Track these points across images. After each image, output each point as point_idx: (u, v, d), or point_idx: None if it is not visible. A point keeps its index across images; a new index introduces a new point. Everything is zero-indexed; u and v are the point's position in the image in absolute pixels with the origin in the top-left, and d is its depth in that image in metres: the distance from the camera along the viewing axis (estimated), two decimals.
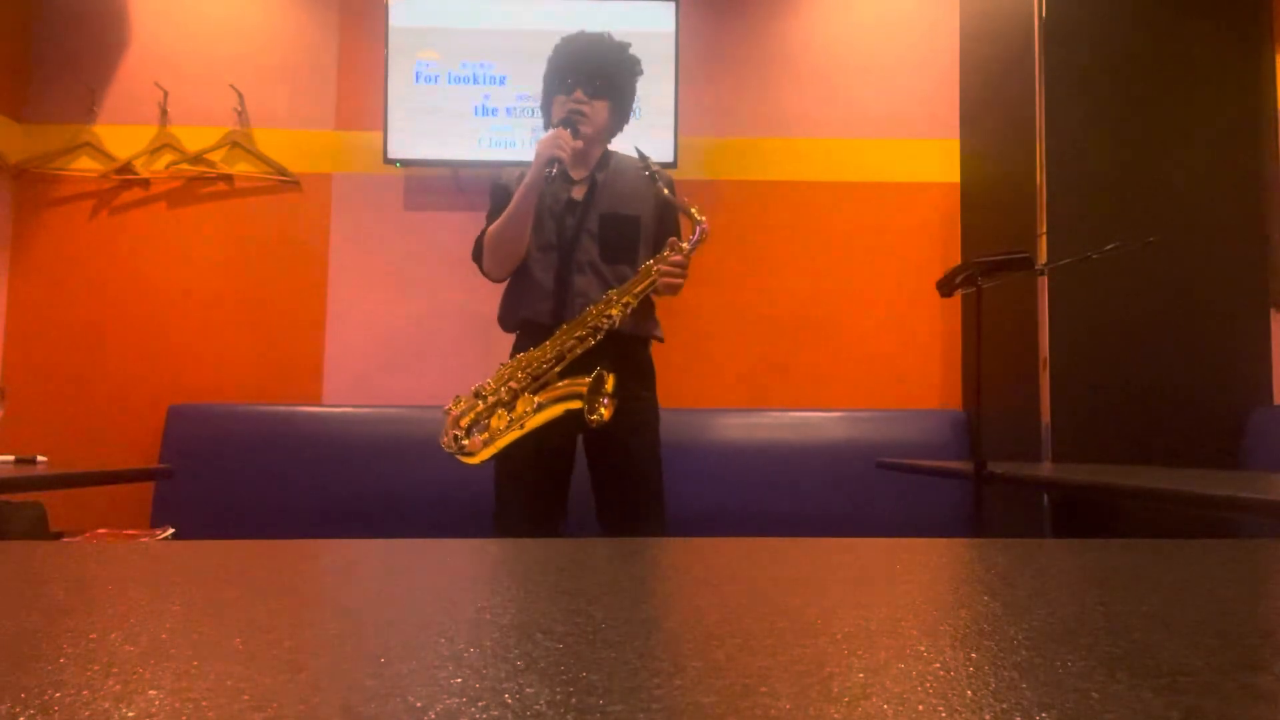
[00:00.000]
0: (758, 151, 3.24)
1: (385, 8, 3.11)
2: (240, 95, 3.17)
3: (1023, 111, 2.59)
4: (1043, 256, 2.45)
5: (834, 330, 3.18)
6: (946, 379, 3.16)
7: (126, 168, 3.12)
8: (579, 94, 1.94)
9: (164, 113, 3.17)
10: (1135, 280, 2.44)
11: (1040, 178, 2.50)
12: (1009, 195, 2.71)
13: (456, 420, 1.83)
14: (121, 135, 3.15)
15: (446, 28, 3.14)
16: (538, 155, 1.87)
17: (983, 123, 2.97)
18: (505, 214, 1.92)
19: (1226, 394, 2.45)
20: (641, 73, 2.04)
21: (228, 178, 3.18)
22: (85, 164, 3.14)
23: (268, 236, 3.17)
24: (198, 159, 3.15)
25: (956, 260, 3.08)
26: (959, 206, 3.14)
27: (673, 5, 3.12)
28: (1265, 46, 2.62)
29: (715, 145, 3.23)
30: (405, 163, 3.12)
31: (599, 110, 1.96)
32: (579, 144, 1.92)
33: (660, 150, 3.07)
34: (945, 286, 1.96)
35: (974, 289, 1.88)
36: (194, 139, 3.16)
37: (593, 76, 1.95)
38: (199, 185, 3.18)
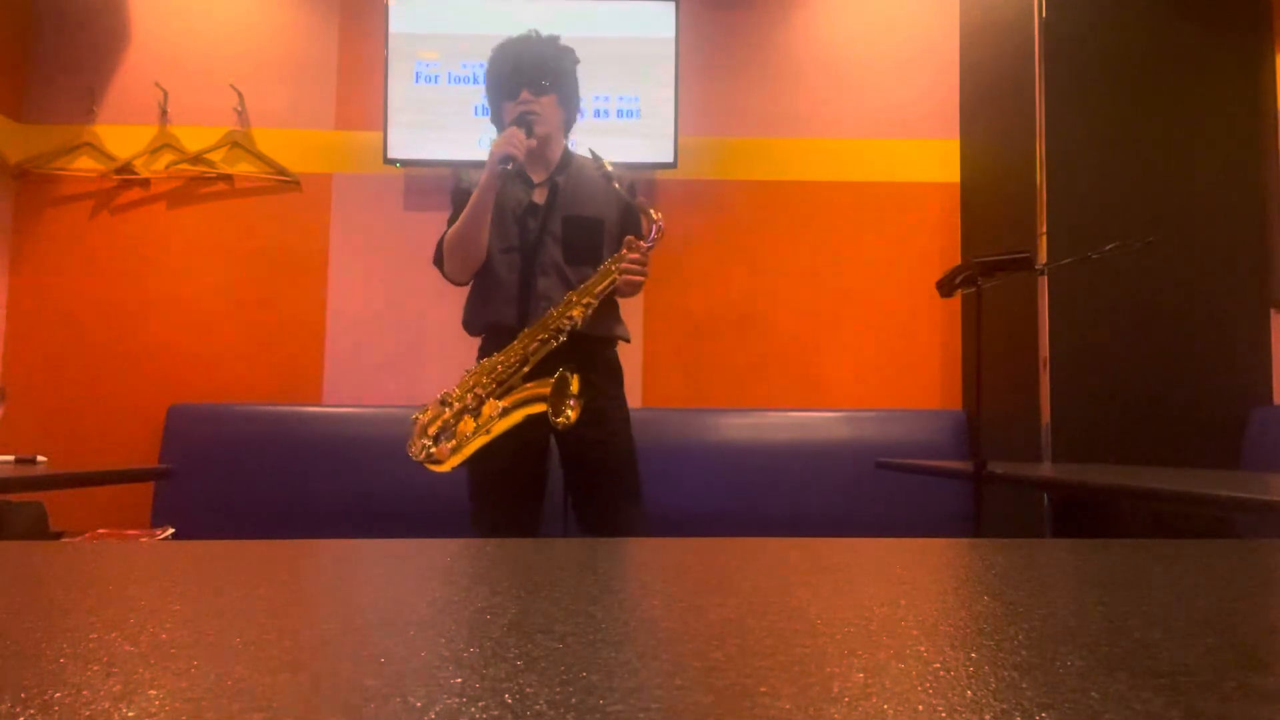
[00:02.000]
0: (757, 151, 3.24)
1: (385, 8, 3.11)
2: (240, 95, 3.17)
3: (1023, 111, 2.59)
4: (1043, 256, 2.45)
5: (834, 330, 3.18)
6: (946, 379, 3.16)
7: (126, 168, 3.12)
8: (525, 94, 1.95)
9: (164, 113, 3.17)
10: (1135, 280, 2.44)
11: (1040, 178, 2.50)
12: (1009, 195, 2.71)
13: (424, 428, 1.83)
14: (121, 135, 3.15)
15: (446, 27, 3.14)
16: (491, 154, 1.88)
17: (983, 123, 2.97)
18: (463, 214, 1.93)
19: (1226, 394, 2.45)
20: (578, 60, 2.05)
21: (228, 178, 3.18)
22: (85, 164, 3.14)
23: (268, 236, 3.17)
24: (198, 159, 3.15)
25: (956, 260, 3.08)
26: (959, 206, 3.14)
27: (672, 6, 3.12)
28: (1265, 47, 2.62)
29: (715, 145, 3.23)
30: (405, 163, 3.12)
31: (548, 106, 1.97)
32: (533, 142, 1.92)
33: (660, 150, 3.07)
34: (945, 286, 1.96)
35: (974, 289, 1.88)
36: (194, 139, 3.16)
37: (534, 75, 1.95)
38: (199, 185, 3.18)
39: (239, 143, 3.16)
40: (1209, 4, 2.57)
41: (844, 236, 3.21)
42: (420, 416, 1.85)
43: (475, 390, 1.82)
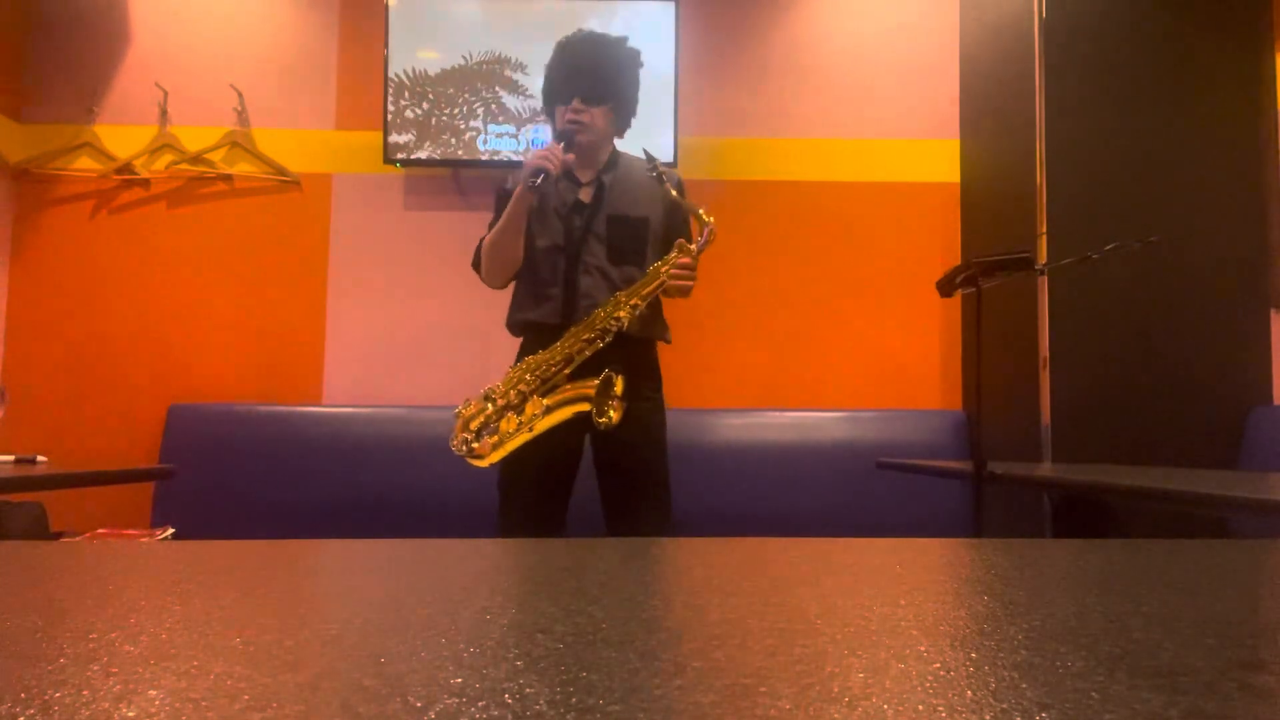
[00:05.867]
0: (758, 151, 3.24)
1: (385, 8, 3.11)
2: (240, 95, 3.17)
3: (1023, 111, 2.59)
4: (1043, 256, 2.45)
5: (834, 330, 3.18)
6: (946, 379, 3.16)
7: (126, 168, 3.12)
8: (576, 103, 1.94)
9: (164, 113, 3.17)
10: (1135, 280, 2.44)
11: (1040, 178, 2.50)
12: (1009, 195, 2.71)
13: (467, 423, 1.84)
14: (121, 135, 3.15)
15: (446, 27, 3.14)
16: (525, 165, 1.88)
17: (983, 123, 2.97)
18: (497, 225, 1.93)
19: (1226, 394, 2.45)
20: (642, 64, 2.04)
21: (228, 178, 3.18)
22: (85, 164, 3.14)
23: (268, 236, 3.17)
24: (198, 159, 3.15)
25: (956, 260, 3.08)
26: (959, 206, 3.14)
27: (672, 5, 3.12)
28: (1265, 47, 2.62)
29: (715, 145, 3.23)
30: (405, 163, 3.12)
31: (598, 116, 1.96)
32: (570, 157, 1.92)
33: (660, 150, 3.06)
34: (945, 286, 1.96)
35: (974, 289, 1.88)
36: (194, 139, 3.16)
37: (589, 83, 1.95)
38: (199, 185, 3.18)
39: (239, 143, 3.16)
40: (1209, 4, 2.57)
41: (844, 236, 3.21)
42: (463, 410, 1.86)
43: (519, 387, 1.83)
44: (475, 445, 1.82)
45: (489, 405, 1.83)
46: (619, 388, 1.78)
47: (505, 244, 1.94)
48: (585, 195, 1.99)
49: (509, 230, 1.92)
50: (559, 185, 1.98)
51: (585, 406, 1.78)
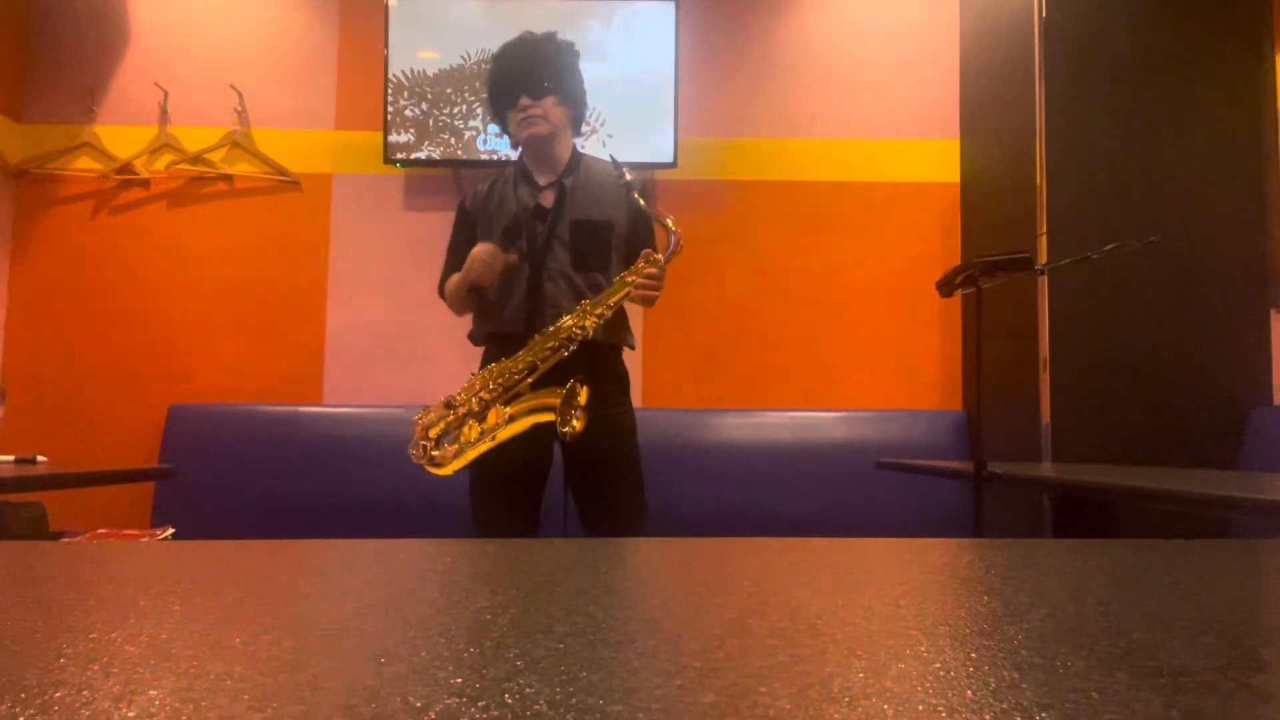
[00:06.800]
0: (758, 151, 3.24)
1: (385, 8, 3.11)
2: (240, 95, 3.17)
3: (1023, 111, 2.59)
4: (1043, 256, 2.45)
5: (834, 330, 3.18)
6: (946, 379, 3.16)
7: (126, 168, 3.12)
8: (524, 100, 1.93)
9: (164, 113, 3.17)
10: (1135, 280, 2.44)
11: (1040, 178, 2.50)
12: (1009, 195, 2.71)
13: (425, 430, 1.80)
14: (121, 135, 3.15)
15: (446, 27, 3.14)
16: (473, 269, 1.90)
17: (983, 123, 2.97)
18: (456, 287, 1.96)
19: (1226, 394, 2.45)
20: (577, 54, 2.02)
21: (228, 178, 3.18)
22: (85, 164, 3.15)
23: (268, 236, 3.17)
24: (198, 159, 3.15)
25: (956, 260, 3.08)
26: (959, 206, 3.14)
27: (672, 6, 3.12)
28: (1265, 46, 2.62)
29: (715, 145, 3.23)
30: (405, 163, 3.12)
31: (549, 107, 1.94)
32: (513, 256, 1.92)
33: (660, 150, 3.07)
34: (945, 286, 1.96)
35: (974, 289, 1.88)
36: (194, 139, 3.16)
37: (529, 79, 1.93)
38: (199, 185, 3.18)
39: (239, 143, 3.16)
40: (1209, 4, 2.57)
41: (844, 236, 3.21)
42: (422, 418, 1.82)
43: (481, 395, 1.80)
44: (436, 454, 1.78)
45: (450, 413, 1.79)
46: (583, 398, 1.75)
47: (464, 302, 1.99)
48: (546, 199, 1.96)
49: (464, 296, 1.97)
50: (518, 190, 1.97)
51: (549, 416, 1.75)
